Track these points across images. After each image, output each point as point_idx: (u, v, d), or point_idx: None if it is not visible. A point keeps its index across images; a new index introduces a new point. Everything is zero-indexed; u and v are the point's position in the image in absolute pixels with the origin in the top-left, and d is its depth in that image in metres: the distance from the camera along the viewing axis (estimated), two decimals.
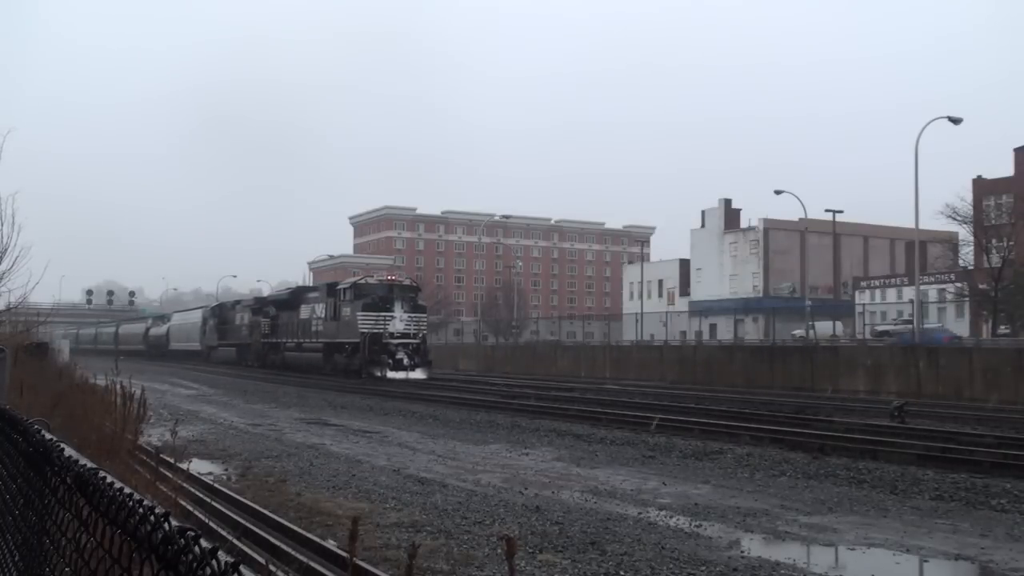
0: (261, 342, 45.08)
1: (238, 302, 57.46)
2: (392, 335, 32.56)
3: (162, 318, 75.00)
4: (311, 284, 50.92)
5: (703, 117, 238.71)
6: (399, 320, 33.06)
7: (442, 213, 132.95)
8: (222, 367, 51.44)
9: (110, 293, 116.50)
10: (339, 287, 35.99)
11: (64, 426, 9.38)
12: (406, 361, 32.18)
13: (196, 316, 63.01)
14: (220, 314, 55.76)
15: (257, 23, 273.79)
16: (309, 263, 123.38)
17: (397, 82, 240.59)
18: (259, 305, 48.67)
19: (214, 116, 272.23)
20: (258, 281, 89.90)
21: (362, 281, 35.49)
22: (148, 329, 73.65)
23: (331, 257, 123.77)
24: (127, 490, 1.77)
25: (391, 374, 31.45)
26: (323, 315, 36.94)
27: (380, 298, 33.51)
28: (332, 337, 35.62)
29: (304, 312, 39.69)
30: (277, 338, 42.96)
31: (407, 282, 36.77)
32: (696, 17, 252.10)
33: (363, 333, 32.44)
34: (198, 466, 12.16)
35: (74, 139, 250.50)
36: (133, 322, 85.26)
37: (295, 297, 42.30)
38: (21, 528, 2.98)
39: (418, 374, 32.11)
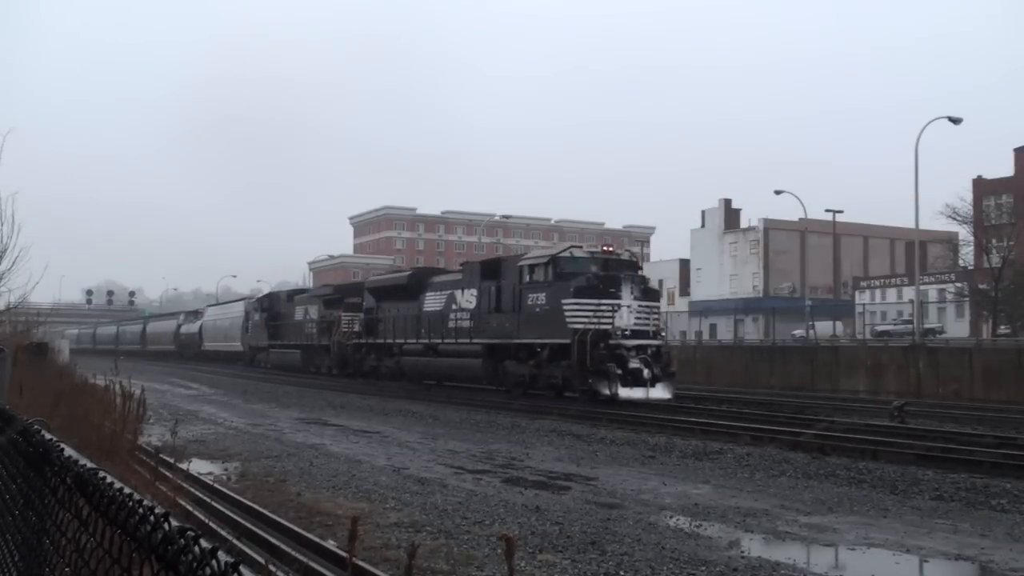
0: (352, 344, 34.80)
1: (298, 292, 47.54)
2: (623, 333, 21.91)
3: (195, 313, 65.19)
4: (404, 271, 37.31)
5: (703, 117, 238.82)
6: (629, 311, 22.12)
7: (442, 213, 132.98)
8: (223, 367, 50.43)
9: (110, 293, 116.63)
10: (520, 264, 24.81)
11: (64, 426, 9.37)
12: (646, 373, 21.40)
13: (236, 310, 53.56)
14: (270, 307, 46.03)
15: (256, 23, 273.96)
16: (309, 263, 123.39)
17: (397, 82, 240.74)
18: (339, 295, 38.06)
19: (214, 116, 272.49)
20: (258, 281, 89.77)
21: (564, 254, 23.78)
22: (179, 327, 64.48)
23: (331, 257, 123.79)
24: (127, 490, 1.77)
25: (624, 392, 20.90)
26: (475, 305, 26.23)
27: (599, 279, 22.52)
28: (505, 336, 24.76)
29: (432, 302, 28.91)
30: (383, 337, 32.18)
31: (626, 256, 25.06)
32: (696, 17, 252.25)
33: (576, 330, 21.61)
34: (198, 466, 12.16)
35: (74, 139, 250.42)
36: (162, 319, 75.22)
37: (415, 282, 30.71)
38: (21, 528, 2.98)
39: (660, 392, 21.51)
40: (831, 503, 10.50)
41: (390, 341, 31.52)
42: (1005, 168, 60.02)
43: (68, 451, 2.39)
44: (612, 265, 23.57)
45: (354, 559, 6.05)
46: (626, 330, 21.87)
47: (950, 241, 55.90)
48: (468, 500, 10.22)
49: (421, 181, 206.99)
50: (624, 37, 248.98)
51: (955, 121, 37.10)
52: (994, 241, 49.62)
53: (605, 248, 24.71)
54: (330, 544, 7.56)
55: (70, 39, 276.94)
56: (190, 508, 8.81)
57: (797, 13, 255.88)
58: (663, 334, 24.27)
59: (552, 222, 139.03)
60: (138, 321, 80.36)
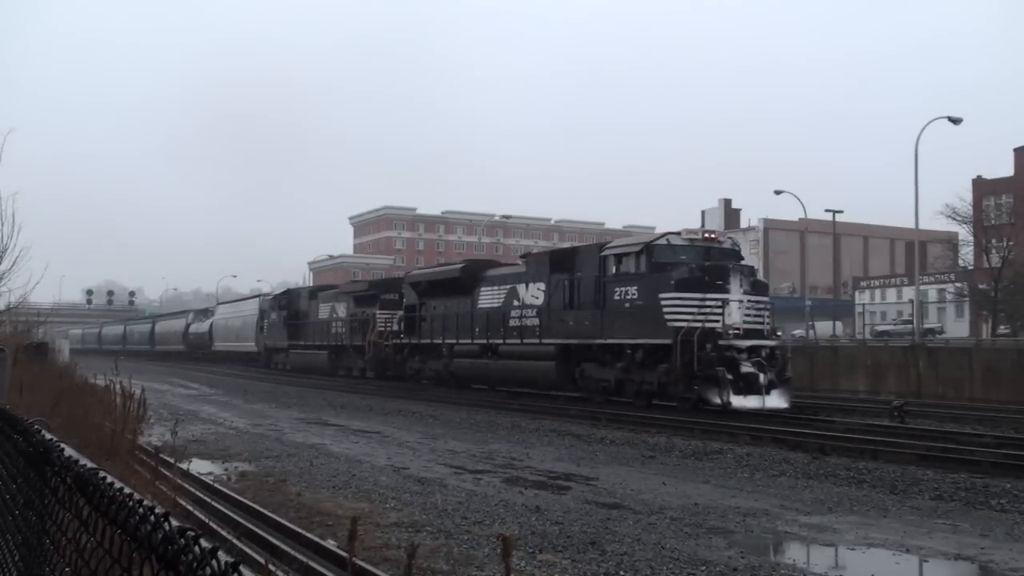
0: (392, 344, 32.15)
1: (322, 288, 44.83)
2: (733, 332, 19.01)
3: (205, 312, 63.39)
4: (451, 264, 32.85)
5: (703, 117, 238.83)
6: (738, 306, 19.32)
7: (442, 213, 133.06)
8: (228, 368, 50.30)
9: (110, 293, 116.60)
10: (604, 254, 21.62)
11: (64, 426, 9.39)
12: (762, 378, 18.62)
13: (249, 308, 50.98)
14: (289, 305, 43.53)
15: (257, 23, 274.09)
16: (309, 263, 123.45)
17: (397, 82, 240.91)
18: (373, 291, 35.48)
19: (214, 116, 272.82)
20: (258, 281, 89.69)
21: (660, 242, 20.75)
22: (188, 326, 62.33)
23: (331, 257, 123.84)
24: (127, 490, 1.77)
25: (737, 400, 18.28)
26: (544, 301, 23.54)
27: (704, 269, 19.66)
28: (584, 336, 21.85)
29: (488, 298, 26.23)
30: (428, 337, 29.16)
31: (728, 244, 21.85)
32: (695, 17, 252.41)
33: (677, 328, 18.84)
34: (198, 466, 12.18)
35: (74, 139, 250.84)
36: (171, 317, 71.93)
37: (468, 276, 27.72)
38: (21, 528, 2.98)
39: (776, 400, 18.90)
40: (831, 503, 10.49)
41: (438, 341, 28.52)
42: (1005, 168, 60.14)
43: (68, 451, 2.39)
44: (714, 254, 20.64)
45: (354, 559, 6.05)
46: (738, 329, 19.02)
47: (950, 241, 55.94)
48: (468, 500, 10.22)
49: (421, 181, 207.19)
50: (624, 37, 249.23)
51: (955, 121, 37.09)
52: (994, 241, 49.64)
53: (707, 235, 21.52)
54: (330, 544, 7.56)
55: (70, 39, 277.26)
56: (190, 508, 8.82)
57: (797, 13, 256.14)
58: (779, 333, 21.61)
59: (552, 222, 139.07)
60: (146, 320, 77.69)
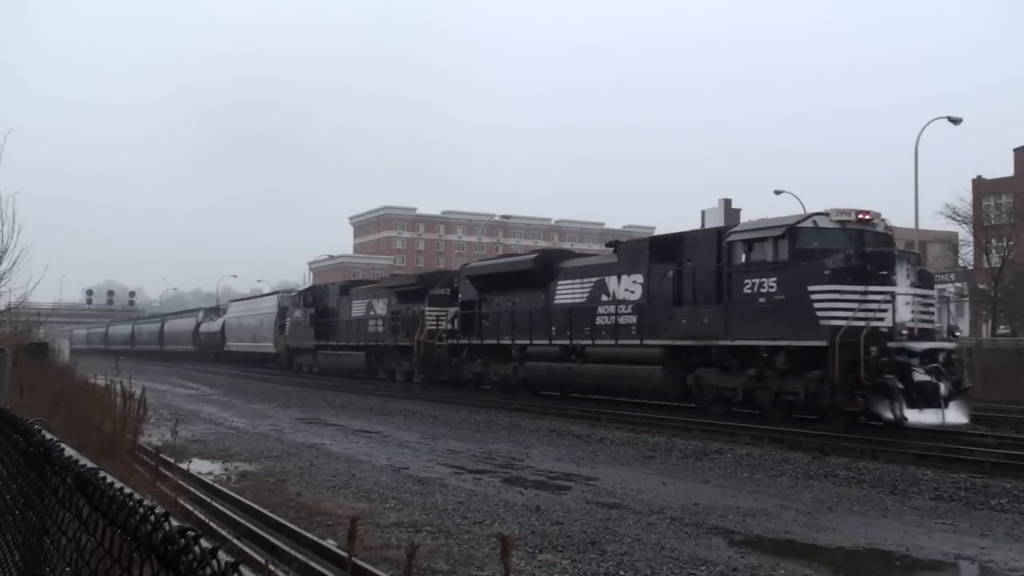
0: (447, 344, 28.53)
1: (354, 283, 40.62)
2: (905, 331, 15.85)
3: (216, 310, 60.59)
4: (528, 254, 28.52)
5: (702, 117, 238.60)
6: (906, 302, 16.04)
7: (442, 213, 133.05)
8: (228, 369, 50.22)
9: (110, 293, 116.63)
10: (731, 239, 18.28)
11: (64, 426, 9.40)
12: (942, 388, 15.24)
13: (266, 306, 47.57)
14: (316, 302, 40.04)
15: (257, 24, 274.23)
16: (309, 263, 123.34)
17: (397, 82, 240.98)
18: (422, 285, 31.87)
19: (214, 117, 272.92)
20: (258, 281, 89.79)
21: (806, 224, 17.38)
22: (198, 325, 59.43)
23: (331, 257, 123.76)
24: (127, 490, 1.77)
25: (913, 415, 14.96)
26: (642, 295, 20.42)
27: (864, 256, 16.44)
28: (701, 336, 18.59)
29: (569, 292, 23.09)
30: (492, 337, 25.86)
31: (881, 228, 17.91)
32: (695, 16, 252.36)
33: (835, 328, 15.64)
34: (198, 466, 12.19)
35: (74, 139, 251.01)
36: (180, 316, 68.93)
37: (543, 267, 24.50)
38: (21, 528, 2.98)
39: (956, 414, 15.34)
40: (831, 503, 10.50)
41: (505, 342, 25.25)
42: (1005, 168, 60.06)
43: (68, 451, 2.39)
44: (868, 239, 17.23)
45: (354, 559, 6.06)
46: (912, 328, 15.88)
47: (950, 241, 55.92)
48: (468, 500, 10.22)
49: (421, 181, 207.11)
50: (624, 38, 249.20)
51: (955, 121, 37.10)
52: (994, 241, 49.64)
53: (860, 216, 17.42)
54: (330, 544, 7.57)
55: (71, 41, 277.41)
56: (190, 508, 8.82)
57: (797, 14, 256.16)
58: (957, 333, 18.34)
59: (552, 222, 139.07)
60: (155, 319, 74.62)
